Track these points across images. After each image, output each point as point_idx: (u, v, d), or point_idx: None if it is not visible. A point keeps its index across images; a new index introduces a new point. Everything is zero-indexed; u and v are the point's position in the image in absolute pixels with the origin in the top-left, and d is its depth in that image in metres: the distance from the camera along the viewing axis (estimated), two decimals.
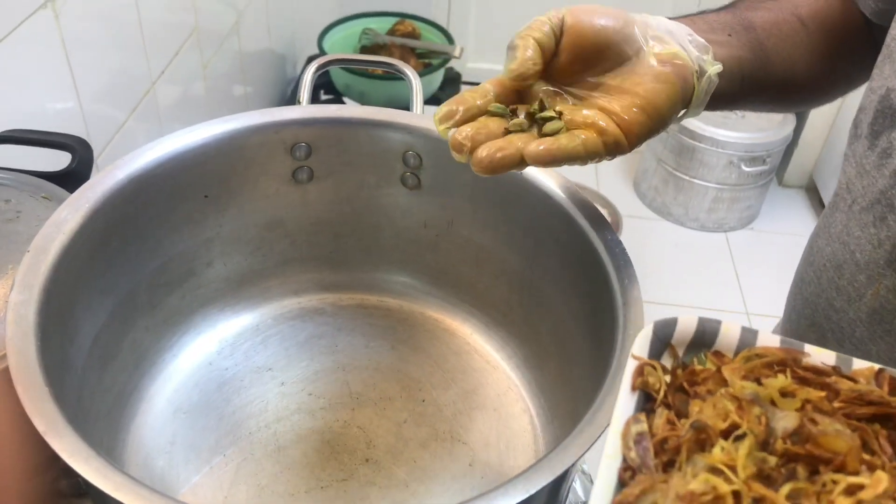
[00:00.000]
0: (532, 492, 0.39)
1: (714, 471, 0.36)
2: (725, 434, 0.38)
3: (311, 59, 0.86)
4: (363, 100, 1.74)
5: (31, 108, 0.82)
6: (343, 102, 1.86)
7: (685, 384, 0.42)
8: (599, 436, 0.43)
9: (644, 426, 0.39)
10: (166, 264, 0.61)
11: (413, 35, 1.87)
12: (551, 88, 0.48)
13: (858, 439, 0.37)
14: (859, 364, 0.41)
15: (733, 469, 0.35)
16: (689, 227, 2.03)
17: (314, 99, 1.81)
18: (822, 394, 0.39)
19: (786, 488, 0.35)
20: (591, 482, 0.59)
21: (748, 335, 0.44)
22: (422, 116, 0.63)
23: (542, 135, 0.45)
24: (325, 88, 1.84)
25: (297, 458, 0.59)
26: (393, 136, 0.63)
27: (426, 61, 1.81)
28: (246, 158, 0.61)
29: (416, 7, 1.94)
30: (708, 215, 2.00)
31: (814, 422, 0.37)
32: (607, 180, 2.15)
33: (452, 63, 1.85)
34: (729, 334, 0.44)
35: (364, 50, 1.82)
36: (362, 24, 1.90)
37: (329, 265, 0.70)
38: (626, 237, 1.83)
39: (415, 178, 0.65)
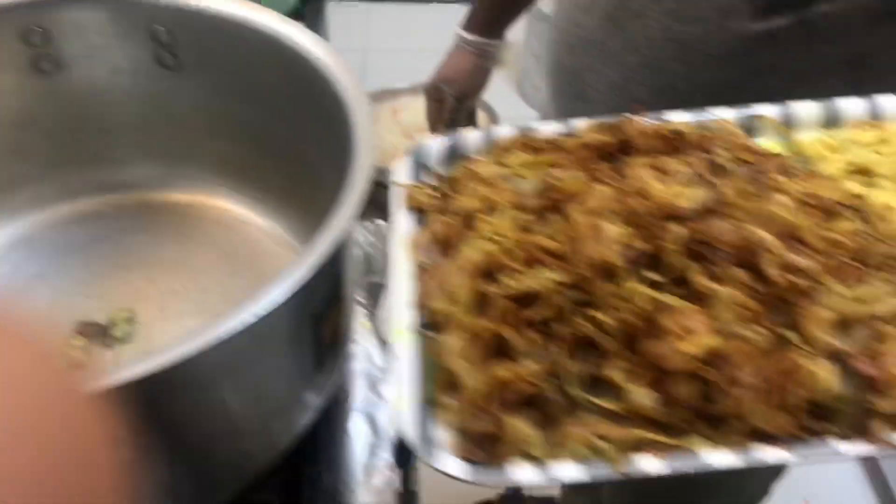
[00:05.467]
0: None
1: (491, 241, 0.41)
2: (488, 213, 0.43)
3: None
4: None
5: None
6: None
7: (450, 192, 0.47)
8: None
9: (427, 235, 0.45)
10: None
11: None
12: None
13: (586, 176, 0.43)
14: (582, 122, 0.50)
15: (503, 236, 0.41)
16: None
17: None
18: (553, 156, 0.46)
19: (545, 230, 0.41)
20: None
21: (488, 135, 0.51)
22: None
23: None
24: None
25: None
26: (134, 11, 0.58)
27: None
28: None
29: None
30: None
31: (554, 177, 0.43)
32: None
33: None
34: (476, 141, 0.51)
35: None
36: None
37: (103, 164, 0.65)
38: None
39: (172, 57, 0.61)
